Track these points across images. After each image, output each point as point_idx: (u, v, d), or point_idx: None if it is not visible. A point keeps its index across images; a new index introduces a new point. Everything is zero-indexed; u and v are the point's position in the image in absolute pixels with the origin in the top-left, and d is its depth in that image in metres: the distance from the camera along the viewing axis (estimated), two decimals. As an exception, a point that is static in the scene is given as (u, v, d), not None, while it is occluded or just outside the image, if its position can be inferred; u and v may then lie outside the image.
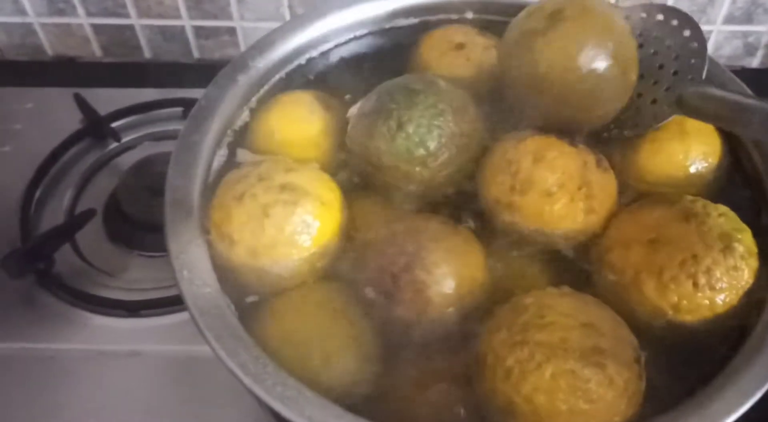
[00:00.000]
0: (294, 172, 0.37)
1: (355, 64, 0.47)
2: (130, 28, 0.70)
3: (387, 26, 0.48)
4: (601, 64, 0.36)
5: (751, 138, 0.41)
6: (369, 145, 0.38)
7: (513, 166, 0.37)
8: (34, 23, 0.70)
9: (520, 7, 0.46)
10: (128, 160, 0.59)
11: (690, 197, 0.36)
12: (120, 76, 0.71)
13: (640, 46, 0.40)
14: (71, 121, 0.62)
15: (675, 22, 0.39)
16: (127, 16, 0.69)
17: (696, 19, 0.40)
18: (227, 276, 0.36)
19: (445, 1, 0.48)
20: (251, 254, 0.35)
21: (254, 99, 0.44)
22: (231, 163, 0.41)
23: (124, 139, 0.60)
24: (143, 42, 0.72)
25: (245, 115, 0.43)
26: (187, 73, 0.72)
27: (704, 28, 0.65)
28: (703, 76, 0.38)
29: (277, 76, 0.45)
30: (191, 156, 0.39)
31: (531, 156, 0.37)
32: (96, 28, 0.70)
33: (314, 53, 0.46)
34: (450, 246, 0.35)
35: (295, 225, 0.35)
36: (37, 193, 0.56)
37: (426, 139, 0.37)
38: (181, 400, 0.46)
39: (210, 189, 0.39)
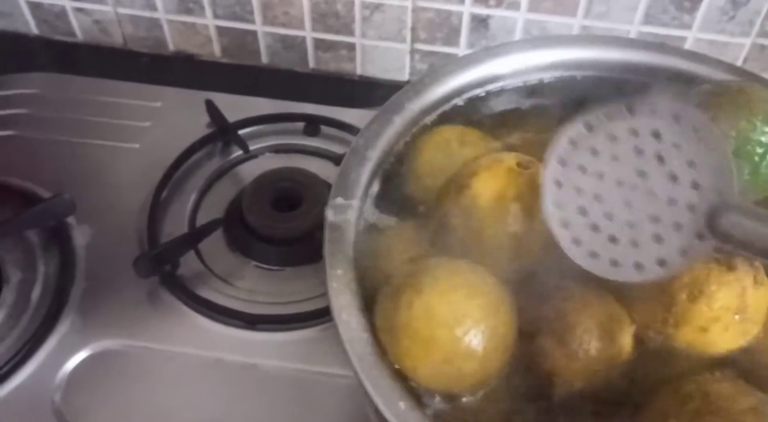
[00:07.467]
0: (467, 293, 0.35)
1: (502, 114, 0.47)
2: (253, 33, 0.72)
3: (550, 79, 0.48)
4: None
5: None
6: None
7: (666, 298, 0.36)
8: (161, 19, 0.72)
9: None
10: (250, 169, 0.61)
11: None
12: (236, 78, 0.73)
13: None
14: (197, 123, 0.63)
15: (676, 118, 0.31)
16: (252, 21, 0.71)
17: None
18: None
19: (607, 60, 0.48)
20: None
21: (403, 140, 0.45)
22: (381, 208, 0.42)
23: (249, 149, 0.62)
24: (262, 48, 0.73)
25: (395, 155, 0.44)
26: (301, 82, 0.74)
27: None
28: (734, 189, 0.30)
29: (427, 119, 0.46)
30: (348, 194, 0.40)
31: (687, 290, 0.36)
32: (220, 29, 0.72)
33: (463, 98, 0.47)
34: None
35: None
36: (164, 194, 0.58)
37: None
38: (293, 419, 0.48)
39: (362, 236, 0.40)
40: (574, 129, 0.33)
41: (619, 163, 0.32)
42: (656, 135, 0.31)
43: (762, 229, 0.29)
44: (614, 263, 0.32)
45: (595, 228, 0.33)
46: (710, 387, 0.33)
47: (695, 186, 0.31)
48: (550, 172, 0.34)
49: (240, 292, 0.54)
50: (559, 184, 0.33)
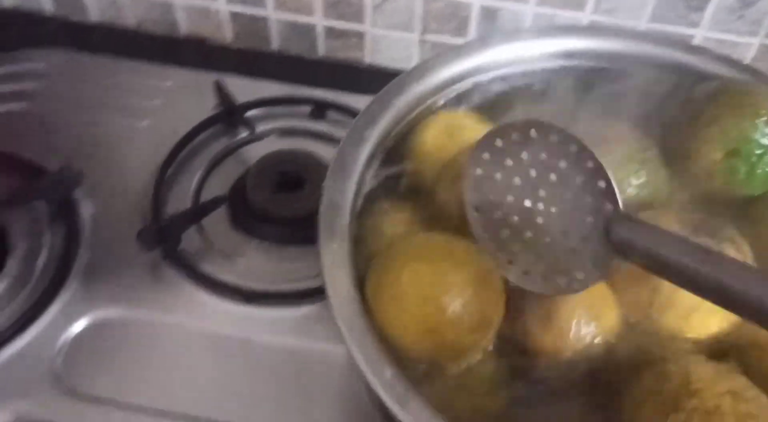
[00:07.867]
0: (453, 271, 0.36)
1: (503, 100, 0.48)
2: (264, 19, 0.73)
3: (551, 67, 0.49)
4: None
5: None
6: None
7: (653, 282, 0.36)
8: (174, 2, 0.73)
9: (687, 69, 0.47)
10: (255, 150, 0.62)
11: None
12: (246, 63, 0.74)
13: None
14: (205, 104, 0.64)
15: (555, 138, 0.34)
16: (264, 7, 0.72)
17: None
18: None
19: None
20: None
21: (404, 122, 0.46)
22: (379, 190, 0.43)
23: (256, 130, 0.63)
24: (273, 34, 0.74)
25: (395, 137, 0.45)
26: (310, 69, 0.74)
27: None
28: (618, 203, 0.32)
29: (428, 102, 0.47)
30: (346, 174, 0.41)
31: None
32: (232, 15, 0.73)
33: (465, 83, 0.48)
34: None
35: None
36: (170, 171, 0.59)
37: None
38: (287, 394, 0.48)
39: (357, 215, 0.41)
40: (484, 148, 0.35)
41: (529, 183, 0.34)
42: (550, 157, 0.34)
43: (648, 238, 0.31)
44: (544, 278, 0.34)
45: (521, 244, 0.34)
46: (690, 369, 0.33)
47: (589, 202, 0.33)
48: (469, 185, 0.36)
49: (241, 269, 0.54)
50: (480, 209, 0.35)
